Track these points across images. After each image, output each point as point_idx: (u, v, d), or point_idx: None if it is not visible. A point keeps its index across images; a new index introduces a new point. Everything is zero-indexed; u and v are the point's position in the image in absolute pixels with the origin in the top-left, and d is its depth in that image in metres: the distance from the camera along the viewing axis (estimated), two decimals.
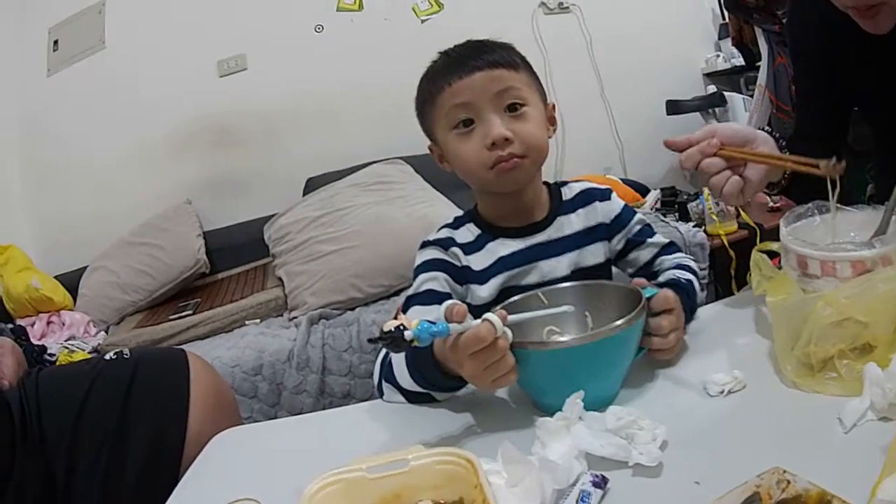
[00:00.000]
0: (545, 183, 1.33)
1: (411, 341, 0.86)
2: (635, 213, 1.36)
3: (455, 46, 1.25)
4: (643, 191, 3.55)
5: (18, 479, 1.21)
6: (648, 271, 1.32)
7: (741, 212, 3.01)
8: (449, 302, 0.93)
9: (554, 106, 1.29)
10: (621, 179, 3.64)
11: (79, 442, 1.26)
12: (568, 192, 1.34)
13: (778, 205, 3.12)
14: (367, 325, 2.64)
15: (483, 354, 0.90)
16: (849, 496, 0.63)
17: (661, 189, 3.60)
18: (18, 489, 1.21)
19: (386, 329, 0.86)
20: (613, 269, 1.36)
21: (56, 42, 3.66)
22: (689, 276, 1.26)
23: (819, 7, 1.24)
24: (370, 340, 0.95)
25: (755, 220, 2.99)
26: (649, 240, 1.33)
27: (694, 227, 3.03)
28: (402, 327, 0.86)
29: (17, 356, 1.43)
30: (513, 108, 1.19)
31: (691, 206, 3.23)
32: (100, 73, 3.67)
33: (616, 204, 1.34)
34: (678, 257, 1.33)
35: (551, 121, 1.28)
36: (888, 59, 1.24)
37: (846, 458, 0.79)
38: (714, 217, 2.94)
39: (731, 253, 2.81)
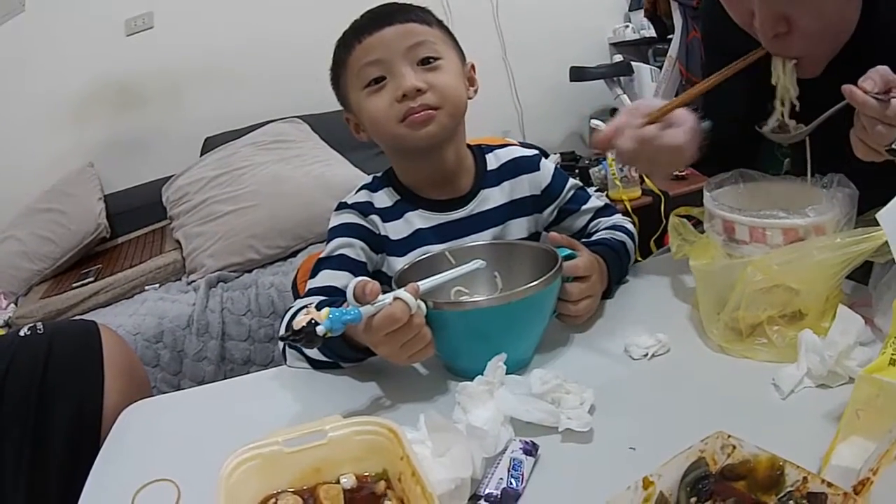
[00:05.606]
0: (469, 147, 1.26)
1: (325, 335, 0.83)
2: (568, 178, 1.30)
3: (368, 10, 1.18)
4: (542, 154, 3.55)
5: None
6: (584, 236, 1.28)
7: (645, 178, 3.03)
8: (358, 280, 0.89)
9: (473, 66, 1.23)
10: (520, 143, 3.62)
11: (2, 421, 1.20)
12: (493, 161, 1.27)
13: (684, 173, 3.16)
14: (265, 287, 2.58)
15: (398, 334, 0.88)
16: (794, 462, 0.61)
17: (561, 153, 3.61)
18: None
19: (297, 327, 0.82)
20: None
21: None
22: (623, 236, 1.23)
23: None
24: (281, 338, 0.92)
25: (660, 186, 3.01)
26: (584, 206, 1.29)
27: (596, 191, 3.04)
28: (313, 322, 0.82)
29: None
30: (426, 62, 1.13)
31: (593, 171, 3.25)
32: (11, 35, 3.46)
33: (546, 172, 1.28)
34: (615, 219, 1.29)
35: (471, 81, 1.22)
36: None
37: (786, 424, 0.78)
38: (618, 182, 2.95)
39: (635, 219, 2.81)
